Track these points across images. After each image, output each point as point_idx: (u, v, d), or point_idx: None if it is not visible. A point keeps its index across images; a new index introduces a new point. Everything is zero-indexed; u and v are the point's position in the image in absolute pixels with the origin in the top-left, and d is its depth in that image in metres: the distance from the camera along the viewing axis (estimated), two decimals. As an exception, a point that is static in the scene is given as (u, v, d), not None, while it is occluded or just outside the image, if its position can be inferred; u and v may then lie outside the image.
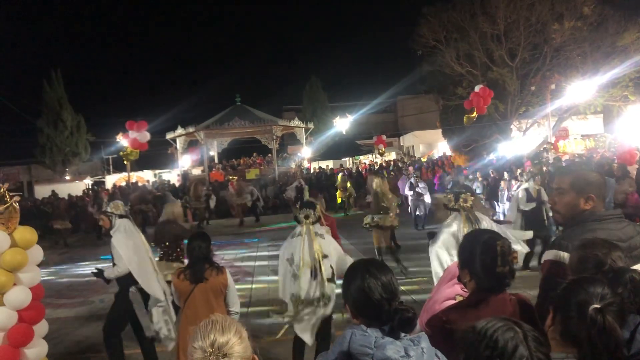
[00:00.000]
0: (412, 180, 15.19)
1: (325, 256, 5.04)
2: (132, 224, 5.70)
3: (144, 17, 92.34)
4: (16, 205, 3.87)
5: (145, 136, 16.07)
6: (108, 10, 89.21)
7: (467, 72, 26.04)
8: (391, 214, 9.77)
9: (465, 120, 15.78)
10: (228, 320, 1.80)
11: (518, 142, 25.95)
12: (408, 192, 15.29)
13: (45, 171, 36.03)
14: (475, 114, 15.22)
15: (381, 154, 28.60)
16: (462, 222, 4.89)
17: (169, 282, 5.39)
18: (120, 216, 5.64)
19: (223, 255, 12.72)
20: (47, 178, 34.53)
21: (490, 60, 25.70)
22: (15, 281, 3.79)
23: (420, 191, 14.71)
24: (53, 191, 24.83)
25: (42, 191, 28.25)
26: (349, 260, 4.88)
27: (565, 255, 2.42)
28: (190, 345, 1.73)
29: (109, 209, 5.71)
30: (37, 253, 3.98)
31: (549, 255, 2.53)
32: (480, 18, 24.89)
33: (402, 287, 7.94)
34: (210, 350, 1.67)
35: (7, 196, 3.83)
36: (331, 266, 5.06)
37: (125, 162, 18.23)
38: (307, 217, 5.21)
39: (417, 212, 14.98)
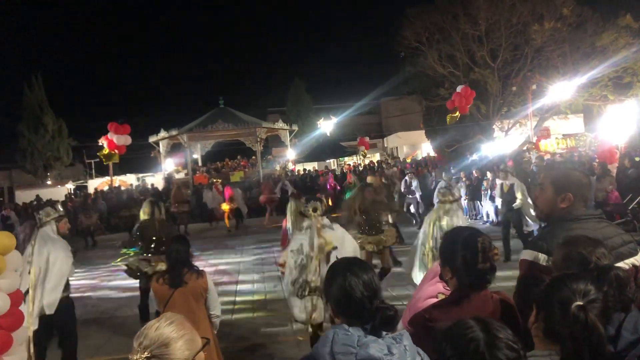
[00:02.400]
0: (407, 177, 15.30)
1: (334, 248, 5.19)
2: (49, 233, 5.50)
3: (126, 21, 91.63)
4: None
5: (126, 139, 15.97)
6: (89, 14, 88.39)
7: (449, 73, 26.23)
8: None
9: (448, 119, 15.91)
10: (171, 319, 1.75)
11: (500, 142, 26.18)
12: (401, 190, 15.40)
13: (26, 176, 35.51)
14: (458, 113, 15.34)
15: (364, 156, 28.66)
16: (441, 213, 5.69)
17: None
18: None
19: (207, 259, 12.64)
20: (28, 183, 34.04)
21: (472, 61, 25.91)
22: (-7, 288, 3.72)
23: (413, 188, 14.81)
24: (37, 196, 24.51)
25: (23, 196, 27.81)
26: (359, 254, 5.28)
27: (541, 256, 2.43)
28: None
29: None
30: (15, 259, 3.92)
31: (526, 254, 2.53)
32: (462, 19, 25.09)
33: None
34: (139, 349, 1.66)
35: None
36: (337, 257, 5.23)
37: (105, 163, 18.08)
38: (315, 209, 5.33)
39: (412, 210, 15.09)
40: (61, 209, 5.90)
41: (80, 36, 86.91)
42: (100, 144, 25.71)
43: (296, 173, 28.64)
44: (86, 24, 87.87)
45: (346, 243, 5.38)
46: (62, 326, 5.54)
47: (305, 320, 5.19)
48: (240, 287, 9.68)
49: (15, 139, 35.27)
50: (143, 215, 7.63)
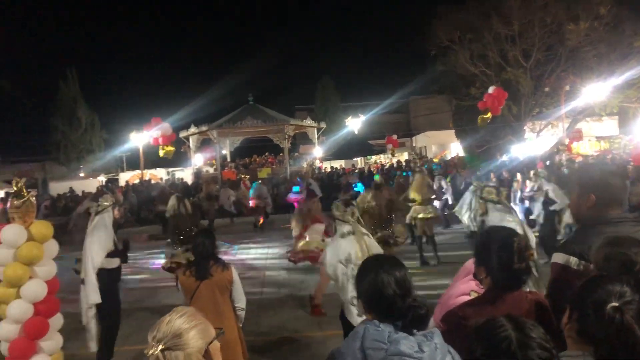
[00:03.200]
0: (436, 178, 15.03)
1: None
2: (103, 221, 5.64)
3: (159, 16, 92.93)
4: (33, 200, 3.93)
5: (168, 129, 16.54)
6: (123, 9, 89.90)
7: (481, 72, 25.92)
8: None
9: (479, 121, 15.71)
10: (182, 311, 1.79)
11: (531, 143, 25.80)
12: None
13: (60, 168, 36.36)
14: (489, 115, 15.15)
15: (392, 154, 28.50)
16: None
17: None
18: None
19: (234, 254, 12.77)
20: (61, 175, 34.84)
21: (504, 61, 25.56)
22: (31, 274, 3.85)
23: (443, 190, 14.63)
24: (71, 188, 25.11)
25: (56, 188, 28.47)
26: None
27: (572, 259, 2.39)
28: None
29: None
30: (52, 247, 4.03)
31: (558, 257, 2.48)
32: (494, 19, 24.74)
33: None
34: (153, 343, 1.69)
35: (24, 191, 3.89)
36: None
37: (169, 158, 18.97)
38: (353, 214, 5.21)
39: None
40: (114, 197, 6.04)
41: (114, 32, 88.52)
42: (134, 142, 26.39)
43: (323, 171, 28.66)
44: (120, 20, 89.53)
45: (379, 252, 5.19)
46: (103, 310, 5.58)
47: None
48: (267, 282, 9.76)
49: (50, 131, 36.17)
50: (170, 209, 7.87)
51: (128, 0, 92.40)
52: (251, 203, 18.38)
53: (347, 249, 4.96)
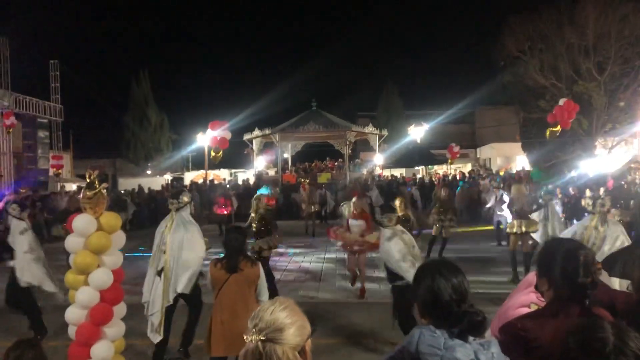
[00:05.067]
0: (501, 191, 14.41)
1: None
2: (185, 216, 5.84)
3: (228, 21, 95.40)
4: (104, 191, 4.12)
5: (227, 133, 17.05)
6: (193, 14, 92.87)
7: (551, 84, 25.11)
8: None
9: (548, 133, 15.18)
10: (284, 303, 1.78)
11: (602, 160, 24.70)
12: (492, 204, 14.76)
13: (129, 165, 37.92)
14: (559, 128, 14.61)
15: (449, 164, 28.01)
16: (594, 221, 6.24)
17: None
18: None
19: (291, 257, 12.87)
20: (130, 172, 36.32)
21: (577, 74, 24.64)
22: (99, 263, 4.02)
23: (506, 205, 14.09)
24: (139, 185, 26.12)
25: (124, 184, 29.71)
26: None
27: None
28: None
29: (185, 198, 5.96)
30: (120, 238, 4.20)
31: None
32: (567, 29, 23.93)
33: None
34: (254, 330, 1.70)
35: (97, 183, 4.08)
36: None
37: (216, 162, 19.59)
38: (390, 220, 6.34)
39: (500, 226, 14.18)
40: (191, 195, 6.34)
41: (185, 35, 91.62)
42: (197, 139, 27.18)
43: (383, 178, 28.49)
44: (191, 24, 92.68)
45: None
46: (191, 298, 5.84)
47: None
48: (322, 287, 9.79)
49: (121, 129, 37.83)
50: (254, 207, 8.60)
51: (198, 5, 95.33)
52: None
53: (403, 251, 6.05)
